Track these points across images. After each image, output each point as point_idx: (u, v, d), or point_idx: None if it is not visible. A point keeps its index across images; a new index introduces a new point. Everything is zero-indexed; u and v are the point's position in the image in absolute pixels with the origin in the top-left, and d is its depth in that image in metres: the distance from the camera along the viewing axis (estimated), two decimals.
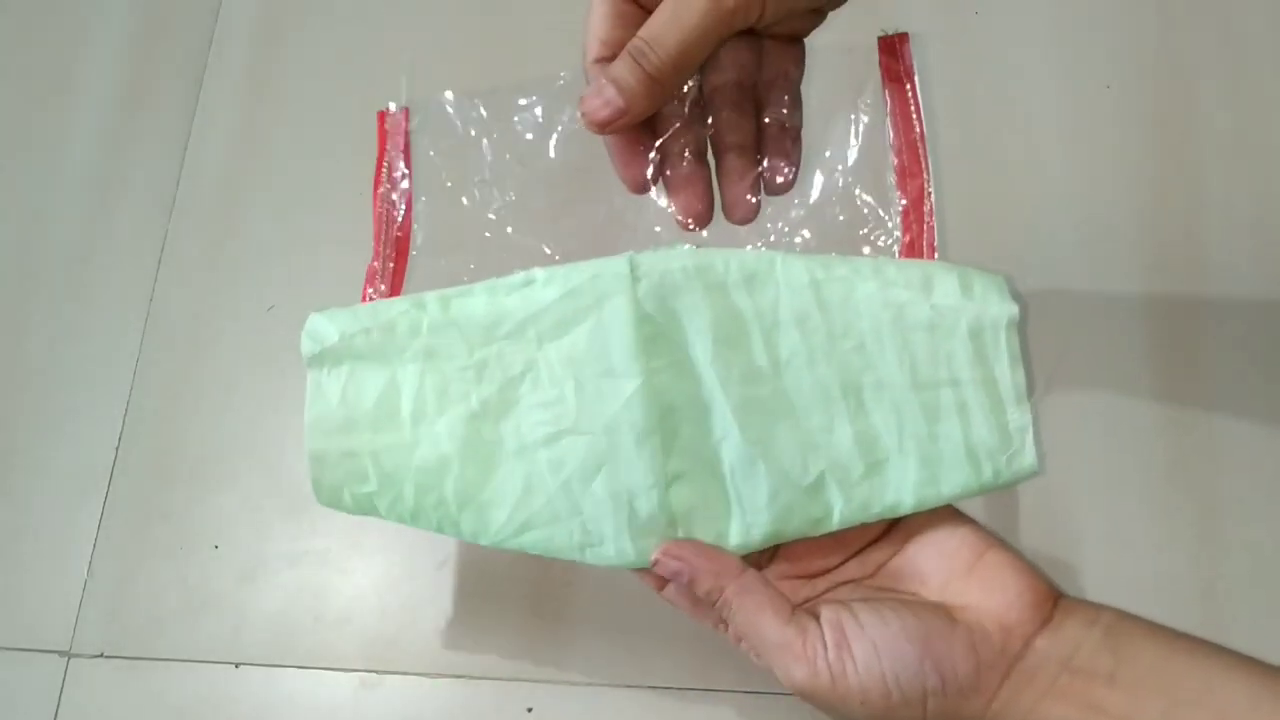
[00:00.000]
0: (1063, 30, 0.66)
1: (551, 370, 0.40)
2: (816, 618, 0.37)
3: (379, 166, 0.46)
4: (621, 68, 0.35)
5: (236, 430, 0.58)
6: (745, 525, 0.40)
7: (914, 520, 0.40)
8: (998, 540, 0.38)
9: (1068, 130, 0.63)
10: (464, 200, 0.44)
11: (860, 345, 0.40)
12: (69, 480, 0.57)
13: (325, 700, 0.52)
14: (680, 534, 0.40)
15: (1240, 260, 0.60)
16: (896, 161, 0.44)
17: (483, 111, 0.44)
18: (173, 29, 0.69)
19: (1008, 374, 0.40)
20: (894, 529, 0.40)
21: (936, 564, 0.38)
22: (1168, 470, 0.55)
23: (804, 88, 0.41)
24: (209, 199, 0.63)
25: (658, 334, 0.40)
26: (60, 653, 0.53)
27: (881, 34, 0.45)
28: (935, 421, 0.40)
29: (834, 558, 0.40)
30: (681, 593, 0.41)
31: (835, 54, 0.43)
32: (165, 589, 0.54)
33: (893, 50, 0.45)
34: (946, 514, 0.40)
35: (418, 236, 0.45)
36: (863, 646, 0.35)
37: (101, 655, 0.53)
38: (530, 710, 0.51)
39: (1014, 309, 0.40)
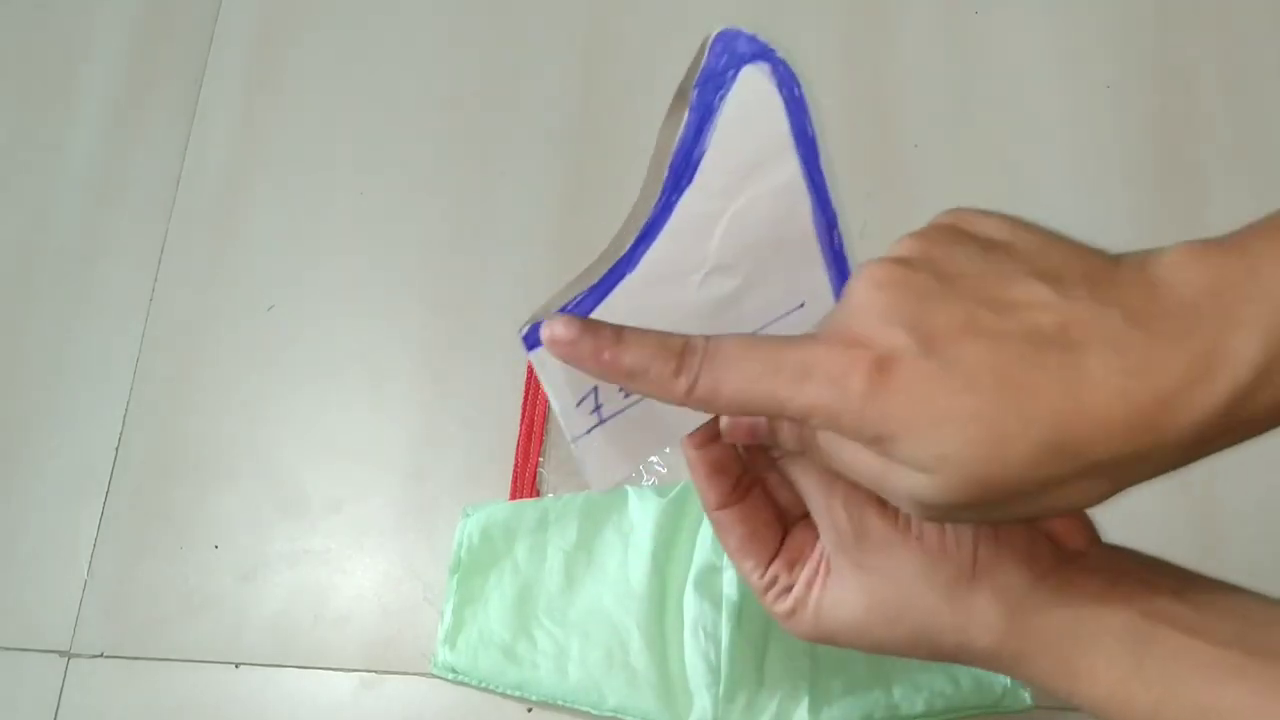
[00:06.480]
0: (1063, 30, 0.66)
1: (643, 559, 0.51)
2: None
3: (525, 394, 0.57)
4: None
5: (236, 430, 0.58)
6: (816, 704, 0.48)
7: None
8: None
9: (1068, 130, 0.63)
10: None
11: None
12: (69, 480, 0.57)
13: (325, 700, 0.52)
14: (766, 690, 0.48)
15: None
16: None
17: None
18: (173, 29, 0.68)
19: None
20: None
21: None
22: (1167, 473, 0.55)
23: None
24: (209, 199, 0.63)
25: None
26: (60, 653, 0.53)
27: None
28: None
29: None
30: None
31: None
32: (165, 589, 0.54)
33: None
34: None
35: (547, 463, 0.56)
36: None
37: (101, 655, 0.53)
38: (530, 710, 0.51)
39: None
